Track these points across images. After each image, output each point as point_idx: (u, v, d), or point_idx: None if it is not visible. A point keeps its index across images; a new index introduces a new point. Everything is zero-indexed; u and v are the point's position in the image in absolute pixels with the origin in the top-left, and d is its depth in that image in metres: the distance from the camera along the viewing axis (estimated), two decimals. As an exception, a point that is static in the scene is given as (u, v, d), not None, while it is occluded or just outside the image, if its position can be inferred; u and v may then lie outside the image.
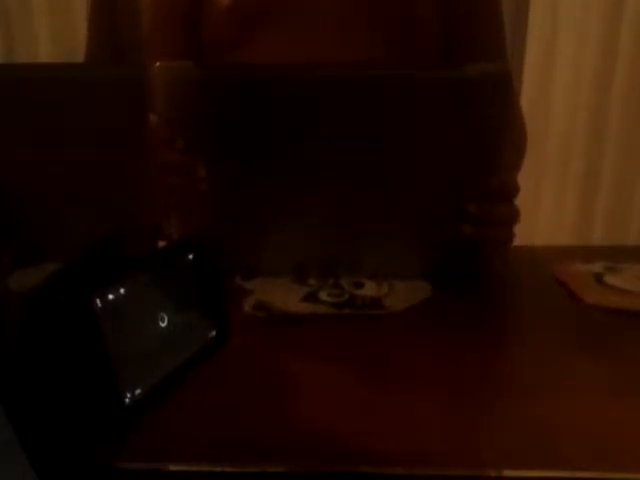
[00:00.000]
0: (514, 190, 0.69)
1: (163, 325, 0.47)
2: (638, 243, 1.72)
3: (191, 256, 0.52)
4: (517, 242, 0.73)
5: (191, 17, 0.92)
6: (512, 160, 0.95)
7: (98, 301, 0.41)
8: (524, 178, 0.96)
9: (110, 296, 0.42)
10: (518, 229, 0.71)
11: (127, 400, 0.42)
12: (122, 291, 0.44)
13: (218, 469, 0.39)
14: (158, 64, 0.61)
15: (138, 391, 0.43)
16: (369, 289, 0.66)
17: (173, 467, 0.40)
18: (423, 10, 0.91)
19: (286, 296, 0.64)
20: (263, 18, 0.88)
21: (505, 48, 1.00)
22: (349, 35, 0.88)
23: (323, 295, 0.64)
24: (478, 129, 0.63)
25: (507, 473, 0.39)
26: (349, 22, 0.89)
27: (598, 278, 0.70)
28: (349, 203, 0.65)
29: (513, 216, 0.68)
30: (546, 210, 1.75)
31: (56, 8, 1.65)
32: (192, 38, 0.92)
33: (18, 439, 0.33)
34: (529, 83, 1.65)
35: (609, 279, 0.69)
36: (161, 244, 0.66)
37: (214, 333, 0.53)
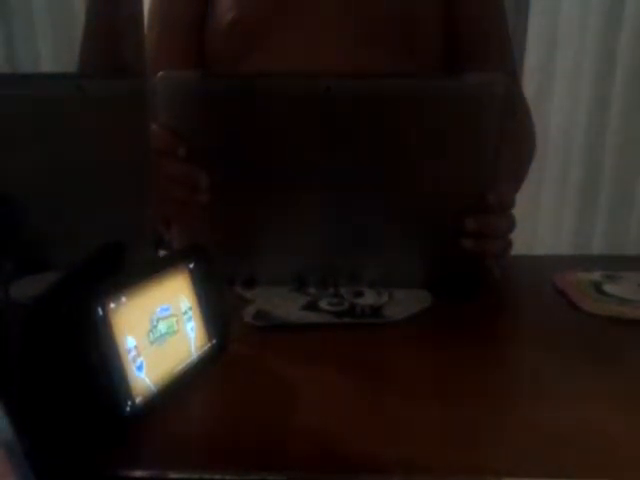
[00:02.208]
0: (511, 203, 0.69)
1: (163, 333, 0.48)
2: (637, 252, 1.72)
3: (191, 265, 0.52)
4: (517, 251, 0.73)
5: (195, 29, 0.92)
6: (514, 173, 0.95)
7: (99, 310, 0.42)
8: (524, 187, 0.96)
9: (111, 305, 0.43)
10: (518, 238, 0.71)
11: (127, 408, 0.43)
12: (123, 300, 0.44)
13: (218, 477, 0.39)
14: (160, 74, 0.62)
15: (138, 399, 0.44)
16: (369, 298, 0.66)
17: (173, 475, 0.40)
18: (424, 10, 0.92)
19: (286, 305, 0.64)
20: (264, 30, 0.89)
21: (511, 50, 1.00)
22: (350, 44, 0.89)
23: (323, 304, 0.64)
24: (476, 140, 0.63)
25: (506, 481, 0.39)
26: (350, 31, 0.89)
27: (597, 287, 0.70)
28: (349, 212, 0.66)
29: (510, 226, 0.69)
30: (545, 219, 1.75)
31: (56, 13, 1.65)
32: (195, 50, 0.93)
33: (19, 446, 0.33)
34: (528, 90, 1.65)
35: (608, 288, 0.70)
36: (162, 253, 0.67)
37: (214, 341, 0.53)
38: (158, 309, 0.47)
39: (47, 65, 1.69)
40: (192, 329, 0.51)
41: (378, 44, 0.89)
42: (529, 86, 1.61)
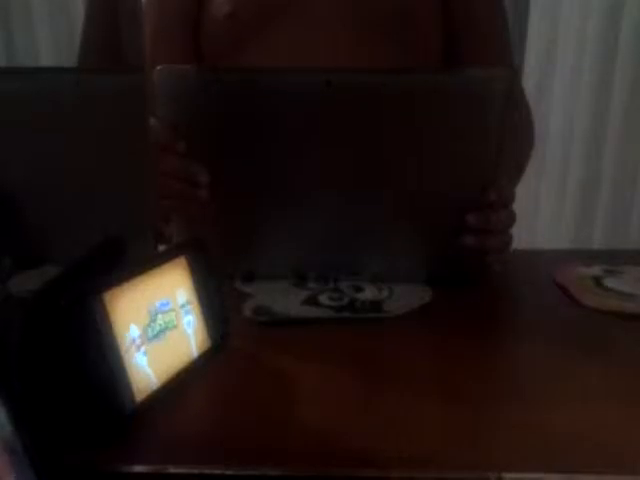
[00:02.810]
0: (511, 197, 0.69)
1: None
2: (637, 247, 1.72)
3: (190, 259, 0.52)
4: (517, 246, 0.73)
5: (192, 22, 0.92)
6: (515, 167, 0.95)
7: (98, 304, 0.42)
8: (524, 182, 0.96)
9: (110, 299, 0.43)
10: (518, 233, 0.71)
11: (127, 404, 0.43)
12: (122, 294, 0.44)
13: (218, 472, 0.39)
14: (159, 68, 0.62)
15: (138, 394, 0.43)
16: (369, 293, 0.66)
17: (173, 470, 0.40)
18: (424, 9, 0.91)
19: (286, 299, 0.64)
20: (261, 24, 0.88)
21: (510, 49, 1.00)
22: (349, 39, 0.89)
23: (323, 299, 0.64)
24: (478, 135, 0.63)
25: (506, 476, 0.39)
26: (349, 25, 0.89)
27: (597, 281, 0.70)
28: (350, 207, 0.66)
29: (510, 222, 0.69)
30: (546, 214, 1.75)
31: (56, 12, 1.65)
32: (192, 46, 0.93)
33: (19, 442, 0.33)
34: (527, 89, 1.65)
35: (608, 282, 0.70)
36: (161, 248, 0.67)
37: (214, 336, 0.53)
38: (157, 303, 0.47)
39: (46, 61, 1.69)
40: (191, 323, 0.51)
41: (378, 38, 0.89)
42: (529, 86, 1.61)
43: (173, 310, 0.49)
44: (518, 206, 0.70)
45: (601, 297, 0.66)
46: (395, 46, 0.89)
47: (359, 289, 0.67)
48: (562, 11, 1.66)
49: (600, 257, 0.80)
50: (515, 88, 0.97)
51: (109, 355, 0.42)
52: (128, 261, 0.51)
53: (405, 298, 0.65)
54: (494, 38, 0.97)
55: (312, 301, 0.64)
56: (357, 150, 0.63)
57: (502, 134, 0.63)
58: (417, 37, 0.91)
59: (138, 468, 0.40)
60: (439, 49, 0.94)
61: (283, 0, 0.89)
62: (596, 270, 0.73)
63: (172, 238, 0.69)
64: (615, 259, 0.78)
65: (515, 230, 0.70)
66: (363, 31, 0.88)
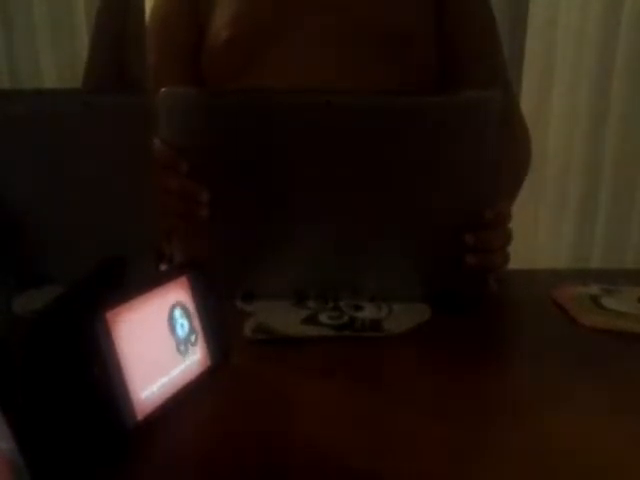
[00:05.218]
0: (508, 216, 0.70)
1: (164, 347, 0.48)
2: (636, 266, 1.73)
3: (191, 279, 0.52)
4: (516, 265, 0.73)
5: (192, 52, 0.94)
6: (509, 187, 0.96)
7: (101, 324, 0.42)
8: (523, 202, 0.97)
9: (112, 319, 0.43)
10: (517, 253, 0.71)
11: (128, 423, 0.43)
12: (124, 314, 0.44)
13: (219, 490, 0.40)
14: (163, 90, 0.63)
15: (139, 413, 0.44)
16: (369, 312, 0.66)
17: (174, 488, 0.40)
18: (420, 28, 0.93)
19: (286, 319, 0.64)
20: (262, 47, 0.90)
21: (505, 68, 1.01)
22: (348, 59, 0.90)
23: (323, 318, 0.65)
24: (474, 156, 0.64)
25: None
26: (348, 46, 0.90)
27: (595, 301, 0.70)
28: (349, 227, 0.66)
29: (507, 240, 0.70)
30: (544, 234, 1.75)
31: (59, 30, 1.67)
32: (193, 71, 0.94)
33: (21, 459, 0.33)
34: (525, 110, 1.66)
35: (606, 301, 0.70)
36: (162, 267, 0.67)
37: (215, 355, 0.53)
38: (159, 323, 0.48)
39: (49, 82, 1.70)
40: (192, 342, 0.51)
41: (377, 59, 0.90)
42: (527, 107, 1.62)
43: (174, 329, 0.49)
44: (517, 225, 0.70)
45: (599, 316, 0.66)
46: (392, 64, 0.90)
47: (359, 308, 0.67)
48: (558, 31, 1.68)
49: (598, 276, 0.81)
50: (509, 106, 0.99)
51: (112, 373, 0.42)
52: (130, 280, 0.52)
53: (404, 317, 0.65)
54: (489, 58, 0.99)
55: (312, 320, 0.64)
56: (356, 170, 0.64)
57: (498, 153, 0.64)
58: (414, 55, 0.93)
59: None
60: (435, 67, 0.95)
61: (280, 22, 0.90)
62: (594, 289, 0.74)
63: (173, 257, 0.69)
64: (613, 278, 0.79)
65: (514, 249, 0.71)
66: (362, 49, 0.90)
